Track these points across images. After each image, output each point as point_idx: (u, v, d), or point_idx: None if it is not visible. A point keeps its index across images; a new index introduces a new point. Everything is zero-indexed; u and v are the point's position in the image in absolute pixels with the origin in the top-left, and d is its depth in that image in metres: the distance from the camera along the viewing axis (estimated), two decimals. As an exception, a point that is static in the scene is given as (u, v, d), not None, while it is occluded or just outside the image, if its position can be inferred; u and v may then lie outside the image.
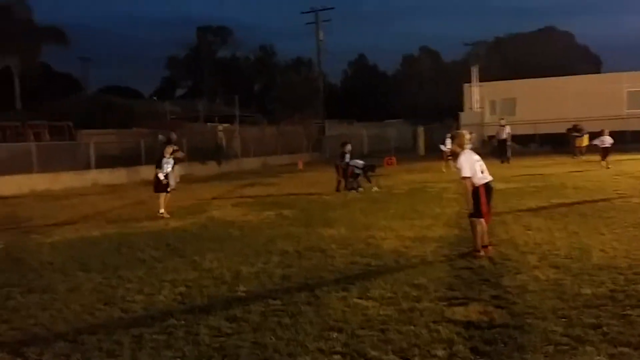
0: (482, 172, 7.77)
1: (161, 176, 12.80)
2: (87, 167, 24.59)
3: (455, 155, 8.16)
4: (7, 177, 20.62)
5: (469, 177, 7.71)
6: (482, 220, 7.73)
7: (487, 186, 7.79)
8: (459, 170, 7.87)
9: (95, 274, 7.65)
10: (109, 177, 24.53)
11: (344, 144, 17.62)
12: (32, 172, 21.94)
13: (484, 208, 7.70)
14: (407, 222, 10.95)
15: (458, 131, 8.53)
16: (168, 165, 13.00)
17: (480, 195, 7.70)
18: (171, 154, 13.30)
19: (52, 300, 6.48)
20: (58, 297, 6.60)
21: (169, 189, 12.99)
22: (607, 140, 21.50)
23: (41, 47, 44.10)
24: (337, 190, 16.97)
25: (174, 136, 21.72)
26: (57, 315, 5.92)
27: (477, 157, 7.90)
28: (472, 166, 7.74)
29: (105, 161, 25.41)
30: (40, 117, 32.66)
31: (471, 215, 7.83)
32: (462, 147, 7.98)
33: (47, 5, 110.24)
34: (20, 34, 38.40)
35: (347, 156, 17.10)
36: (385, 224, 10.82)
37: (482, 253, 7.67)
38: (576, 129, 28.54)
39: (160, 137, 21.78)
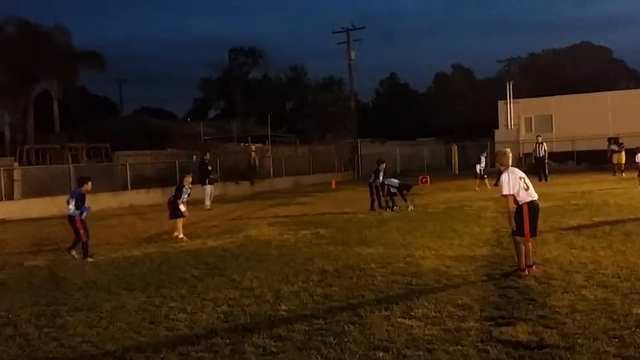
0: (526, 190, 7.65)
1: (182, 207, 12.92)
2: (124, 187, 25.05)
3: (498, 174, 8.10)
4: (47, 199, 21.07)
5: (510, 195, 7.64)
6: (525, 239, 7.61)
7: (532, 204, 7.67)
8: (500, 188, 7.81)
9: (138, 293, 7.74)
10: (145, 198, 24.90)
11: (379, 162, 17.60)
12: (71, 193, 22.35)
13: (526, 227, 7.58)
14: (446, 241, 10.84)
15: (500, 149, 8.41)
16: (185, 195, 13.18)
17: (524, 214, 7.60)
18: (190, 183, 13.48)
19: (99, 318, 6.57)
20: (104, 315, 6.69)
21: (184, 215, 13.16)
22: None
23: (79, 71, 45.22)
24: (372, 209, 16.91)
25: (207, 156, 22.01)
26: (104, 333, 5.99)
27: (521, 174, 7.79)
28: (514, 184, 7.64)
29: (141, 182, 25.85)
30: (78, 139, 33.43)
31: (514, 234, 7.73)
32: (504, 165, 7.89)
33: (85, 28, 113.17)
34: (59, 59, 39.44)
35: (382, 174, 17.07)
36: (424, 242, 10.73)
37: (526, 272, 7.53)
38: (616, 142, 28.02)
39: (194, 157, 22.02)
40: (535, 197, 7.73)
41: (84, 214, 10.82)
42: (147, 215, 19.62)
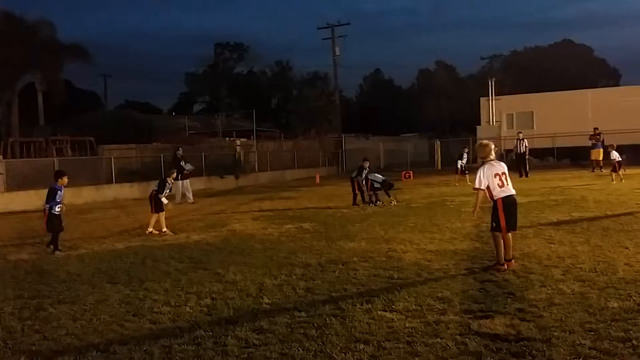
0: (501, 186, 7.72)
1: (164, 200, 13.02)
2: (108, 181, 24.95)
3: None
4: (30, 192, 20.92)
5: (480, 189, 7.77)
6: (502, 233, 7.72)
7: (507, 200, 7.74)
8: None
9: (122, 286, 7.78)
10: (129, 191, 24.84)
11: (364, 160, 17.76)
12: (54, 186, 22.25)
13: (502, 222, 7.68)
14: (427, 235, 10.97)
15: (482, 141, 8.41)
16: (167, 190, 13.37)
17: (499, 210, 7.71)
18: (174, 178, 13.88)
19: (82, 311, 6.60)
20: (87, 308, 6.73)
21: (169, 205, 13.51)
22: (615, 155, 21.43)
23: (64, 64, 44.77)
24: (354, 204, 17.03)
25: (180, 151, 22.19)
26: (87, 326, 6.04)
27: (500, 169, 7.83)
28: (488, 179, 7.73)
29: (126, 176, 25.77)
30: (62, 132, 33.16)
31: (492, 229, 7.86)
32: (483, 157, 7.97)
33: (69, 22, 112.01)
34: (43, 52, 39.01)
35: (365, 172, 17.18)
36: (405, 237, 10.85)
37: (504, 267, 7.65)
38: (596, 134, 28.26)
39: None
40: (511, 192, 7.79)
41: (55, 208, 10.82)
42: (131, 208, 19.58)
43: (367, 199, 17.04)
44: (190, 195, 21.04)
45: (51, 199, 10.79)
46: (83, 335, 5.75)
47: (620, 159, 21.24)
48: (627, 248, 8.80)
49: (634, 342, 4.86)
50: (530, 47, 72.62)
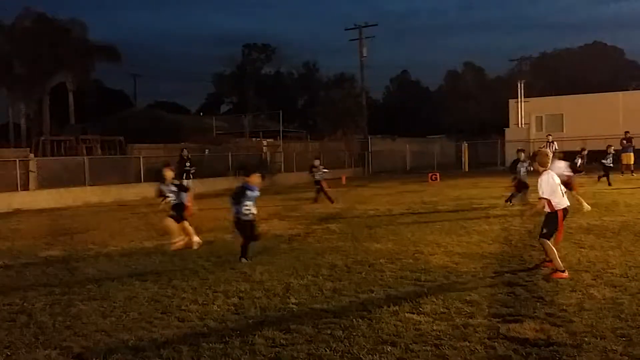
0: (562, 197, 7.57)
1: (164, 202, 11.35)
2: (137, 180, 25.24)
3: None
4: (61, 190, 21.34)
5: (545, 199, 7.52)
6: (555, 241, 7.64)
7: (566, 211, 7.65)
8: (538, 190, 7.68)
9: (150, 284, 7.86)
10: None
11: (519, 151, 16.72)
12: (85, 184, 22.65)
13: (559, 233, 7.60)
14: (455, 238, 10.89)
15: (540, 149, 8.21)
16: (170, 192, 11.02)
17: (559, 221, 7.54)
18: (173, 178, 11.29)
19: (112, 308, 6.69)
20: (117, 305, 6.81)
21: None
22: None
23: (95, 64, 45.54)
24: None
25: (185, 152, 22.43)
26: (117, 323, 6.11)
27: (559, 180, 7.68)
28: (553, 188, 7.53)
29: (155, 175, 26.05)
30: (92, 131, 33.71)
31: (542, 236, 7.62)
32: (544, 166, 7.72)
33: (100, 21, 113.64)
34: (75, 52, 39.74)
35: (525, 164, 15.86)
36: (432, 239, 10.79)
37: (565, 274, 7.36)
38: (628, 139, 27.79)
39: (206, 151, 22.37)
40: (568, 203, 7.68)
41: (242, 211, 9.09)
42: (159, 207, 19.74)
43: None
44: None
45: (238, 200, 9.09)
46: (112, 331, 5.82)
47: None
48: (660, 253, 8.63)
49: (667, 349, 4.76)
50: (560, 49, 71.76)
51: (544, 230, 7.59)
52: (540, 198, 7.59)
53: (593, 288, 6.75)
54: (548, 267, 7.77)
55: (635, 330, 5.24)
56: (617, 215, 13.08)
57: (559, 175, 8.09)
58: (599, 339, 5.07)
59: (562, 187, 7.66)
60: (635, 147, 27.23)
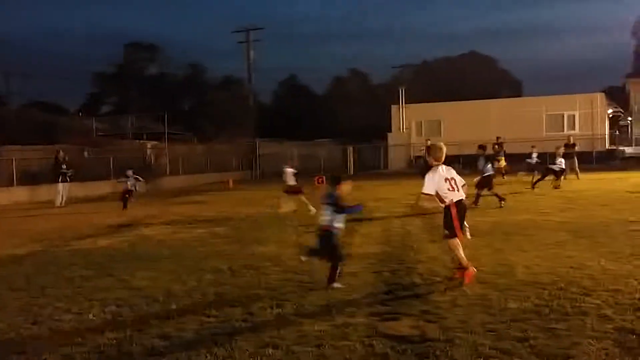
0: (452, 190, 7.42)
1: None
2: (9, 184, 23.75)
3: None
4: None
5: (427, 194, 7.44)
6: (458, 237, 7.43)
7: (460, 204, 7.50)
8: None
9: (21, 293, 7.40)
10: (32, 194, 23.73)
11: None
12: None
13: (456, 225, 7.39)
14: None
15: (435, 143, 7.99)
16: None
17: (452, 215, 7.39)
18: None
19: (-24, 320, 6.22)
20: (-18, 317, 6.35)
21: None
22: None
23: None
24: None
25: (61, 154, 21.74)
26: (-20, 336, 5.69)
27: (450, 174, 7.51)
28: (438, 184, 7.41)
29: (29, 178, 24.66)
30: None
31: (446, 237, 7.53)
32: (437, 161, 7.60)
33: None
34: None
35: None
36: (317, 241, 10.90)
37: (471, 270, 7.30)
38: (500, 144, 29.46)
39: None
40: (462, 197, 7.53)
41: (335, 225, 7.55)
42: (32, 212, 18.68)
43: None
44: (59, 200, 21.10)
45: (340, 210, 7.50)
46: (-25, 346, 5.42)
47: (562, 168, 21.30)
48: (525, 251, 9.22)
49: (532, 341, 5.05)
50: (439, 58, 75.28)
51: (445, 232, 7.50)
52: (422, 192, 7.55)
53: (465, 285, 7.10)
54: (458, 277, 7.44)
55: (502, 325, 5.55)
56: (488, 217, 13.80)
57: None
58: (469, 333, 5.33)
59: (457, 181, 7.46)
60: (506, 152, 28.96)
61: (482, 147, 16.71)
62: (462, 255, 7.41)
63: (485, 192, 15.61)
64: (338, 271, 7.26)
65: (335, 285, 7.17)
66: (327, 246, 7.32)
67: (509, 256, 8.88)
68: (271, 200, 18.76)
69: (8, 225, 15.17)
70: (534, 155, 25.47)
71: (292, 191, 16.59)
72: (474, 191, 15.38)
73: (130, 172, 19.87)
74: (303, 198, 16.27)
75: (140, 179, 20.33)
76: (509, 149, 29.62)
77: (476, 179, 15.72)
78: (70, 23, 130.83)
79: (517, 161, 27.33)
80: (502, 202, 15.26)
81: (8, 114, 44.48)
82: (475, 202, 15.30)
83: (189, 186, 32.53)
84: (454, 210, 7.40)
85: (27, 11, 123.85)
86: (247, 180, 37.65)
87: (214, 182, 34.64)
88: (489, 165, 15.85)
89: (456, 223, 7.41)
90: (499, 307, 6.16)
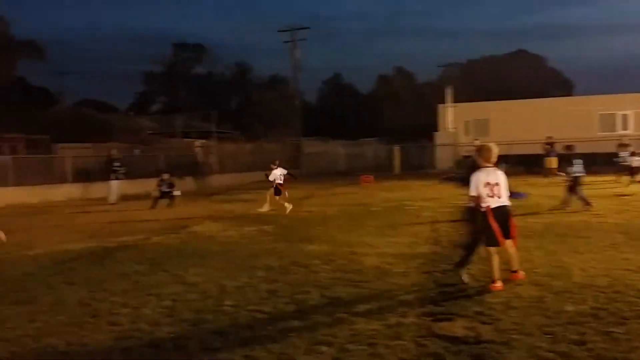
0: (491, 197, 7.07)
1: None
2: (63, 180, 24.47)
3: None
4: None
5: (473, 197, 7.14)
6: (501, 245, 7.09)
7: (496, 210, 7.06)
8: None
9: (79, 287, 7.62)
10: (85, 191, 24.40)
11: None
12: (8, 185, 21.77)
13: (497, 233, 7.02)
14: (387, 239, 11.06)
15: (485, 144, 7.66)
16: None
17: (489, 221, 7.02)
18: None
19: (39, 312, 6.45)
20: (44, 309, 6.57)
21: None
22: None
23: (18, 60, 43.77)
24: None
25: (114, 152, 22.30)
26: (44, 327, 5.90)
27: (495, 179, 7.14)
28: (479, 188, 7.07)
29: (82, 175, 25.38)
30: (15, 130, 32.33)
31: (486, 244, 7.21)
32: (487, 162, 7.25)
33: (26, 19, 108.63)
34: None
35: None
36: (365, 240, 10.93)
37: (498, 285, 6.97)
38: (551, 144, 28.91)
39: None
40: (502, 203, 7.14)
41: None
42: (87, 208, 19.22)
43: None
44: (113, 197, 21.44)
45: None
46: (40, 336, 5.62)
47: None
48: (581, 254, 9.02)
49: (589, 345, 4.98)
50: (486, 56, 74.06)
51: (485, 238, 7.17)
52: (469, 196, 7.24)
53: (519, 287, 7.00)
54: (516, 279, 7.32)
55: (559, 328, 5.47)
56: (539, 217, 13.59)
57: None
58: (525, 336, 5.27)
59: (500, 186, 7.11)
60: (558, 152, 28.35)
61: (569, 147, 16.02)
62: (497, 266, 7.11)
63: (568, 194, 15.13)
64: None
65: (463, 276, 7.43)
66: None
67: (563, 258, 8.73)
68: (317, 199, 18.81)
69: (63, 221, 15.64)
70: (626, 154, 24.22)
71: (277, 192, 16.95)
72: (564, 195, 15.28)
73: (166, 176, 19.90)
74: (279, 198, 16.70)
75: (174, 185, 20.19)
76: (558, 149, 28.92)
77: (566, 182, 15.33)
78: (119, 24, 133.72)
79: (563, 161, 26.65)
80: (588, 206, 14.71)
81: (62, 112, 45.87)
82: (587, 204, 14.83)
83: (237, 184, 32.89)
84: (490, 217, 7.03)
85: (77, 11, 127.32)
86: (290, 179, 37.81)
87: (262, 181, 34.89)
88: (578, 167, 15.18)
89: (495, 229, 7.01)
90: (555, 309, 6.06)
